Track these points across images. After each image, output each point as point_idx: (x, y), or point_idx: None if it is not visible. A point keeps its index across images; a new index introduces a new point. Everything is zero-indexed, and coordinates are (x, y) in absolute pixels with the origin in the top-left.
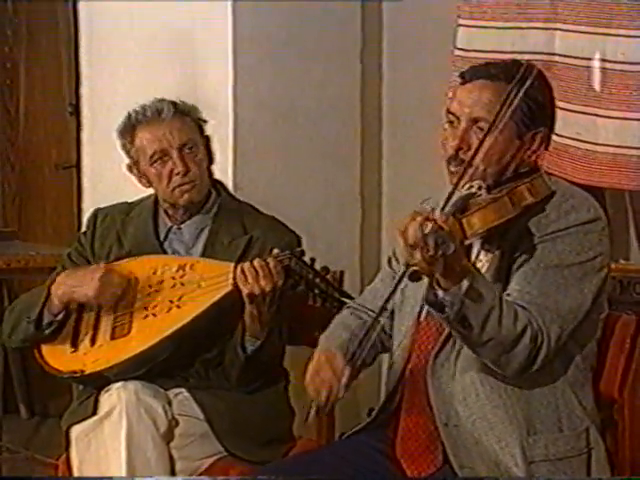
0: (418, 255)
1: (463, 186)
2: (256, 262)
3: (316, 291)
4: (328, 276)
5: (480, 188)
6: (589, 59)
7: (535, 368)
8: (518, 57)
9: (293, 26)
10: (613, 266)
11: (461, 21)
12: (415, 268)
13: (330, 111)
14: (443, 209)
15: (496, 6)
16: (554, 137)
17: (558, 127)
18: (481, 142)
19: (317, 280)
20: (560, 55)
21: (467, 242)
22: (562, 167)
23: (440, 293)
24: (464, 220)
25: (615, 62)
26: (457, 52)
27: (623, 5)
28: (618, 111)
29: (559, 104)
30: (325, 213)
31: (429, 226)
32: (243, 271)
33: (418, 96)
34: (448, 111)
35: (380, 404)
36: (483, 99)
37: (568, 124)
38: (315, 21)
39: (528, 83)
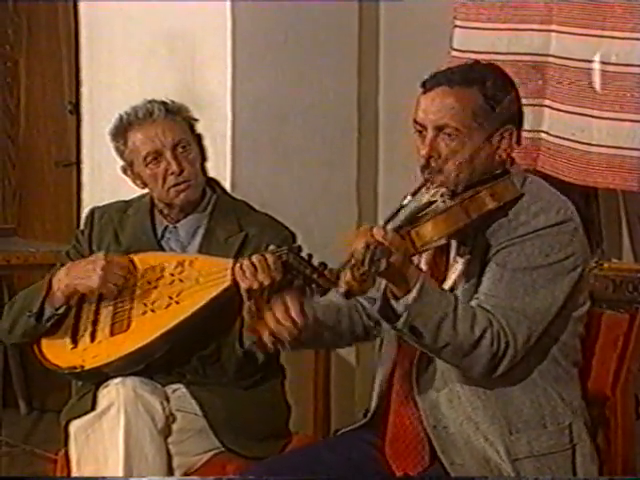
0: (348, 274)
1: (427, 193)
2: (254, 257)
3: (313, 286)
4: (325, 272)
5: (442, 196)
6: (584, 61)
7: (502, 369)
8: (513, 58)
9: (291, 26)
10: (606, 265)
11: (457, 22)
12: (347, 287)
13: (327, 110)
14: (388, 222)
15: (492, 8)
16: (549, 137)
17: (553, 127)
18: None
19: (315, 276)
20: (555, 56)
21: (419, 252)
22: (556, 167)
23: (392, 302)
24: (413, 231)
25: (609, 64)
26: (453, 53)
27: (617, 7)
28: (612, 112)
29: (554, 105)
30: (321, 211)
31: (369, 241)
32: (242, 267)
33: (414, 96)
34: (415, 121)
35: (373, 407)
36: (446, 106)
37: (562, 125)
38: (313, 21)
39: (490, 85)
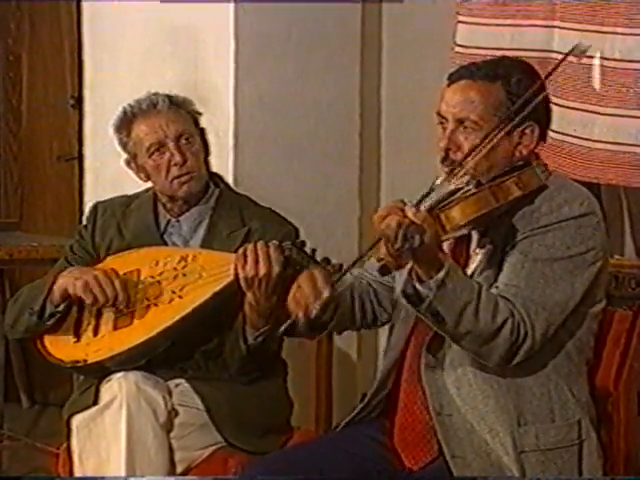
0: (383, 249)
1: (452, 182)
2: (258, 245)
3: None
4: (328, 267)
5: (468, 183)
6: (586, 57)
7: (518, 359)
8: (516, 54)
9: (294, 23)
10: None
11: (460, 18)
12: (383, 262)
13: (330, 106)
14: (419, 203)
15: (495, 4)
16: (551, 133)
17: (556, 124)
18: (470, 151)
19: None
20: (558, 52)
21: (448, 236)
22: (559, 163)
23: (417, 285)
24: (442, 214)
25: (612, 60)
26: (457, 49)
27: (621, 3)
28: (614, 108)
29: (556, 101)
30: (324, 207)
31: (401, 220)
32: (245, 252)
33: (417, 91)
34: (438, 113)
35: (373, 389)
36: (468, 99)
37: (565, 121)
38: (315, 17)
39: (514, 82)
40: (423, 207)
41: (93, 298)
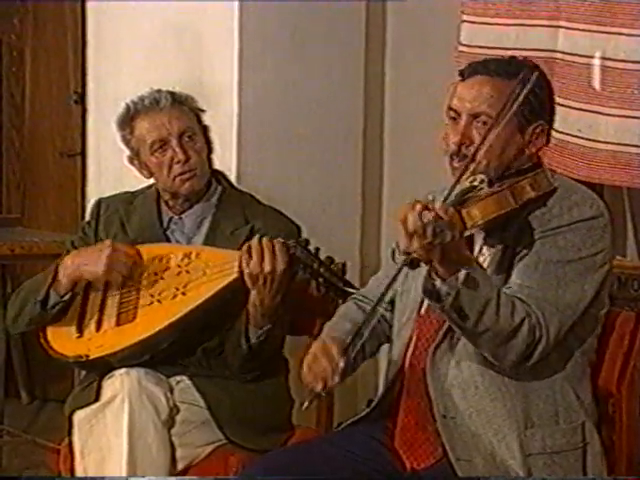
0: (416, 243)
1: (467, 179)
2: (264, 241)
3: (320, 280)
4: (332, 266)
5: (482, 182)
6: (591, 57)
7: (532, 361)
8: (521, 53)
9: (298, 21)
10: None
11: (465, 17)
12: (413, 256)
13: (333, 104)
14: (445, 200)
15: (500, 3)
16: (555, 134)
17: (559, 124)
18: (483, 138)
19: (322, 269)
20: (562, 52)
21: (467, 233)
22: (563, 163)
23: (437, 282)
24: (464, 211)
25: (617, 60)
26: (461, 48)
27: (626, 4)
28: (619, 109)
29: (560, 101)
30: (326, 205)
31: (428, 215)
32: (250, 248)
33: (420, 90)
34: (449, 107)
35: (379, 395)
36: (483, 94)
37: (569, 121)
38: (320, 15)
39: (534, 79)
40: (448, 204)
41: (116, 276)
